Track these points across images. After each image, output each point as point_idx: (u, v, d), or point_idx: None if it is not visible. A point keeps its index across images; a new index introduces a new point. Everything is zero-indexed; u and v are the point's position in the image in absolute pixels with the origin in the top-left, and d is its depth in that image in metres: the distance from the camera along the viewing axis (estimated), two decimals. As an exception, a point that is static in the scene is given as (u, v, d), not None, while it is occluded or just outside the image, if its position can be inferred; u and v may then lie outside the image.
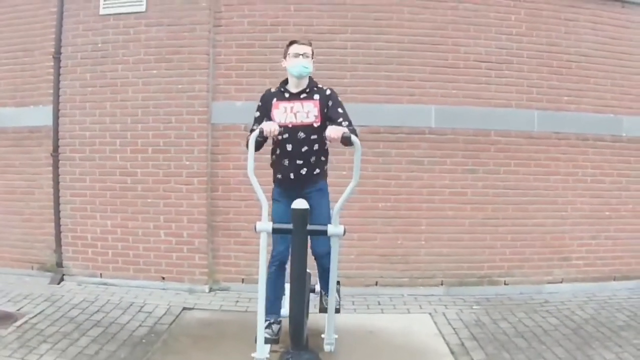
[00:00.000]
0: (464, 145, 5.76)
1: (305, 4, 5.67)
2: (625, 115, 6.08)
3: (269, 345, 4.03)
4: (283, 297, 4.17)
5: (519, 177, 5.85)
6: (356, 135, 3.63)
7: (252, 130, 3.70)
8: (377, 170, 5.64)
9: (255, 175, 3.60)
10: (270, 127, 3.54)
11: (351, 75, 5.62)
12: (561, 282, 5.96)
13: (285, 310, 4.06)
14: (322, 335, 3.97)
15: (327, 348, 3.89)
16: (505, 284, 5.87)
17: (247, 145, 3.65)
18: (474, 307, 5.46)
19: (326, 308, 3.94)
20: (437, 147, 5.73)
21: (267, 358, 3.83)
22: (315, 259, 4.00)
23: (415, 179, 5.71)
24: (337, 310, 4.07)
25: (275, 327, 4.02)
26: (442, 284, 5.79)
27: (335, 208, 3.63)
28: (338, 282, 4.03)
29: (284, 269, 4.00)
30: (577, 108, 5.96)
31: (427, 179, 5.72)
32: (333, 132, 3.55)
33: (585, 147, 5.99)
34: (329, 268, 3.83)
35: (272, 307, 4.03)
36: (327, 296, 3.98)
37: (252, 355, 3.77)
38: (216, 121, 5.62)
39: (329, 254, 3.85)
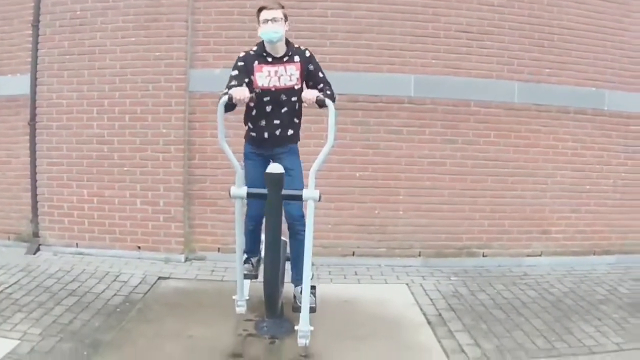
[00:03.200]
0: (443, 115, 5.76)
1: (284, -29, 5.62)
2: (607, 89, 6.08)
3: (248, 286, 4.07)
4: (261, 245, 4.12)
5: (499, 149, 5.86)
6: (333, 99, 3.68)
7: (226, 92, 3.59)
8: (355, 139, 5.64)
9: (229, 143, 3.60)
10: (240, 94, 3.47)
11: (331, 43, 5.61)
12: (540, 256, 5.97)
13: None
14: (296, 328, 3.65)
15: (301, 342, 3.61)
16: (483, 256, 5.88)
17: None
18: (451, 278, 5.47)
19: (299, 307, 3.69)
20: (416, 116, 5.72)
21: (246, 300, 3.93)
22: (288, 225, 3.95)
23: (393, 149, 5.71)
24: (313, 310, 3.88)
25: (254, 259, 4.07)
26: (419, 255, 5.79)
27: (312, 170, 3.61)
28: (313, 287, 3.95)
29: (260, 228, 3.97)
30: (558, 81, 5.96)
31: (406, 149, 5.72)
32: (309, 94, 3.63)
33: (566, 119, 5.99)
34: (303, 237, 3.72)
35: (252, 249, 4.09)
36: (301, 293, 3.80)
37: (233, 297, 3.86)
38: (194, 89, 5.61)
39: (302, 217, 3.85)
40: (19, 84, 5.87)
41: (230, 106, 3.64)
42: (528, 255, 5.94)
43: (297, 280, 3.96)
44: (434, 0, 5.77)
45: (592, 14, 6.08)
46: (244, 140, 4.07)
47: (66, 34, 5.75)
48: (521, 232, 5.93)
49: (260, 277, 3.95)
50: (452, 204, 5.80)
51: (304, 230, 3.70)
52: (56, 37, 5.78)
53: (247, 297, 3.93)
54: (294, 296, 4.03)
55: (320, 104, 3.60)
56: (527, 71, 5.91)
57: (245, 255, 4.05)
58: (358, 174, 5.69)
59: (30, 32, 5.83)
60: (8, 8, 5.97)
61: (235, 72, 3.81)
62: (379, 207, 5.72)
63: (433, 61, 5.74)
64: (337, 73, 5.29)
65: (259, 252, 4.16)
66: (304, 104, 3.82)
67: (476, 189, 5.83)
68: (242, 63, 3.84)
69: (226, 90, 3.61)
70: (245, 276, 3.89)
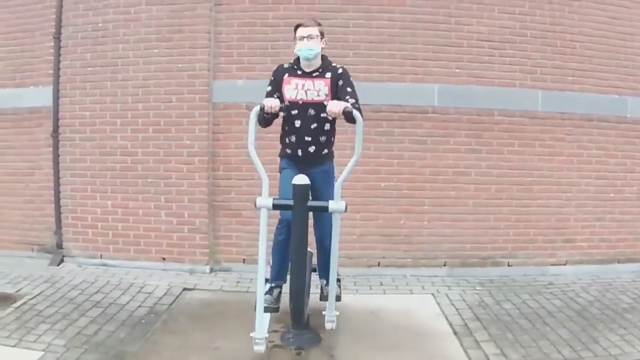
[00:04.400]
0: (468, 124, 5.70)
1: (306, -18, 5.59)
2: (630, 96, 6.00)
3: (268, 320, 3.94)
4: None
5: (523, 158, 5.79)
6: (361, 113, 3.60)
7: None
8: (379, 149, 5.58)
9: (257, 152, 3.56)
10: (270, 103, 3.53)
11: (353, 54, 5.56)
12: (565, 264, 5.89)
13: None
14: (323, 313, 3.88)
15: (328, 326, 3.80)
16: (508, 265, 5.81)
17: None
18: (477, 288, 5.40)
19: (326, 296, 3.88)
20: (440, 126, 5.67)
21: (266, 337, 3.72)
22: (316, 242, 3.95)
23: (418, 159, 5.65)
24: (338, 298, 3.98)
25: (276, 291, 3.96)
26: (445, 265, 5.73)
27: (337, 183, 3.58)
28: (339, 280, 3.95)
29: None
30: (581, 88, 5.89)
31: (430, 159, 5.67)
32: (334, 106, 3.53)
33: (589, 127, 5.92)
34: (328, 254, 3.76)
35: (279, 273, 3.99)
36: (328, 285, 3.90)
37: (251, 334, 3.64)
38: (217, 100, 5.57)
39: (330, 235, 3.80)
40: (41, 96, 5.85)
41: (265, 120, 3.67)
42: (553, 264, 5.86)
43: (324, 275, 3.99)
44: (456, 9, 5.71)
45: (613, 20, 6.00)
46: (277, 158, 4.08)
47: (88, 46, 5.73)
48: (546, 241, 5.86)
49: (282, 308, 3.94)
50: (477, 213, 5.73)
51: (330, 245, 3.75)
52: (78, 49, 5.76)
53: (267, 335, 3.69)
54: (321, 288, 4.08)
55: (348, 116, 3.54)
56: (549, 79, 5.84)
57: (269, 285, 3.94)
58: (383, 184, 5.64)
59: (52, 44, 5.82)
60: (30, 20, 5.95)
61: (269, 88, 3.88)
62: (404, 217, 5.67)
63: (456, 70, 5.68)
64: (360, 83, 5.10)
65: (284, 278, 4.03)
66: (328, 116, 3.73)
67: (501, 198, 5.76)
68: (273, 77, 3.89)
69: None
70: (266, 309, 3.72)
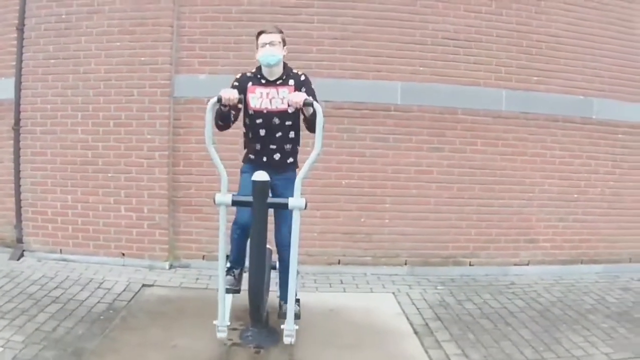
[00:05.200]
0: (430, 122, 5.65)
1: (271, -23, 5.52)
2: (596, 97, 5.98)
3: (229, 308, 3.90)
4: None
5: (486, 157, 5.75)
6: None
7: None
8: (341, 146, 5.52)
9: (216, 148, 3.48)
10: (228, 94, 3.41)
11: (317, 49, 5.50)
12: (527, 265, 5.86)
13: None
14: (282, 326, 3.67)
15: (287, 340, 3.61)
16: (470, 264, 5.77)
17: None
18: (438, 287, 5.35)
19: (284, 313, 3.68)
20: (402, 124, 5.61)
21: (228, 325, 3.69)
22: (277, 249, 3.86)
23: (379, 156, 5.59)
24: (297, 316, 3.79)
25: (236, 271, 3.89)
26: (406, 264, 5.67)
27: (298, 178, 3.50)
28: (297, 300, 3.83)
29: (247, 236, 3.82)
30: (546, 89, 5.86)
31: (392, 157, 5.61)
32: (296, 96, 3.51)
33: (554, 128, 5.89)
34: (287, 267, 3.65)
35: (237, 260, 3.94)
36: (286, 303, 3.73)
37: (214, 322, 3.64)
38: (179, 94, 5.49)
39: (289, 246, 3.70)
40: (4, 88, 5.75)
41: (222, 117, 3.58)
42: (515, 264, 5.82)
43: (285, 298, 3.82)
44: (421, 7, 5.66)
45: (580, 21, 5.98)
46: (237, 156, 4.03)
47: (51, 38, 5.63)
48: (508, 240, 5.82)
49: (244, 289, 3.82)
50: (439, 212, 5.68)
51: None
52: (41, 41, 5.65)
53: (229, 323, 3.69)
54: (279, 305, 3.93)
55: (308, 104, 3.48)
56: (515, 79, 5.80)
57: (229, 265, 3.92)
58: (344, 181, 5.57)
59: (15, 35, 5.70)
60: (-10, 12, 5.83)
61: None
62: (365, 215, 5.60)
63: (420, 68, 5.63)
64: (322, 80, 5.18)
65: (243, 263, 3.98)
66: (289, 109, 3.69)
67: (463, 197, 5.72)
68: (237, 83, 3.79)
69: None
70: (227, 290, 3.71)
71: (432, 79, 5.64)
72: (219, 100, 3.45)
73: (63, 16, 5.60)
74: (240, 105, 3.66)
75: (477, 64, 5.73)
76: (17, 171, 5.72)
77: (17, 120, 5.69)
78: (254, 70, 3.85)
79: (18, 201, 5.74)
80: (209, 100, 3.48)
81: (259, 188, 3.47)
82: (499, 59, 5.78)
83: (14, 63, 5.69)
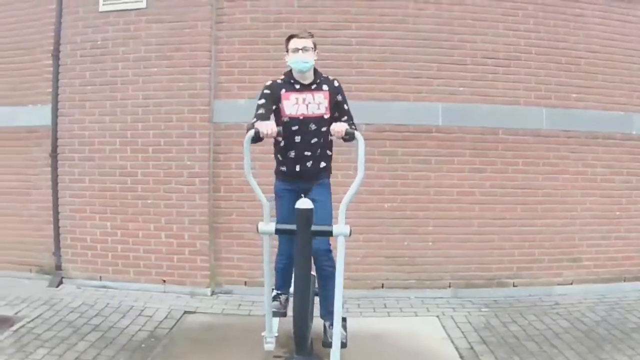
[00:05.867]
0: (472, 143, 5.50)
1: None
2: (635, 112, 5.79)
3: (277, 323, 3.85)
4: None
5: (528, 177, 5.58)
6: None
7: (253, 124, 3.38)
8: (383, 169, 5.38)
9: (255, 175, 3.38)
10: (267, 129, 3.24)
11: (356, 72, 5.36)
12: (571, 284, 5.68)
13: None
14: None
15: None
16: (514, 285, 5.59)
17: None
18: (482, 309, 5.19)
19: (330, 342, 3.53)
20: (444, 145, 5.46)
21: (275, 337, 3.70)
22: (314, 259, 3.68)
23: (422, 179, 5.44)
24: (344, 345, 3.66)
25: (283, 297, 3.85)
26: (449, 286, 5.51)
27: (342, 205, 3.37)
28: (344, 319, 3.72)
29: (291, 267, 3.72)
30: (585, 105, 5.69)
31: (434, 179, 5.46)
32: (338, 127, 3.39)
33: (595, 145, 5.71)
34: (330, 273, 3.54)
35: (283, 286, 3.88)
36: (331, 327, 3.61)
37: (262, 334, 3.67)
38: (218, 120, 5.36)
39: (329, 251, 3.63)
40: (40, 115, 5.64)
41: (258, 137, 3.40)
42: (559, 284, 5.65)
43: (326, 315, 3.74)
44: (460, 26, 5.52)
45: (618, 36, 5.80)
46: (274, 176, 3.87)
47: (87, 64, 5.52)
48: (551, 260, 5.64)
49: (289, 314, 3.73)
50: (482, 233, 5.52)
51: (332, 266, 3.53)
52: (77, 67, 5.55)
53: (276, 334, 3.73)
54: (324, 330, 3.79)
55: (350, 136, 3.39)
56: (554, 96, 5.64)
57: (275, 292, 3.86)
58: (387, 205, 5.43)
59: (51, 62, 5.60)
60: (28, 37, 5.73)
61: (262, 101, 3.57)
62: (408, 238, 5.45)
63: (460, 89, 5.48)
64: (363, 103, 5.08)
65: (289, 289, 3.92)
66: (331, 137, 3.59)
67: (505, 217, 5.55)
68: (269, 91, 3.61)
69: (254, 120, 3.39)
70: (274, 314, 3.74)
71: (472, 99, 5.49)
72: (257, 134, 3.30)
73: (99, 42, 5.49)
74: (279, 138, 3.55)
75: (516, 82, 5.58)
76: (56, 198, 5.61)
77: (55, 147, 5.59)
78: (283, 77, 3.69)
79: (57, 228, 5.63)
80: (248, 127, 3.35)
81: (303, 216, 3.35)
82: (538, 77, 5.62)
83: (50, 90, 5.60)
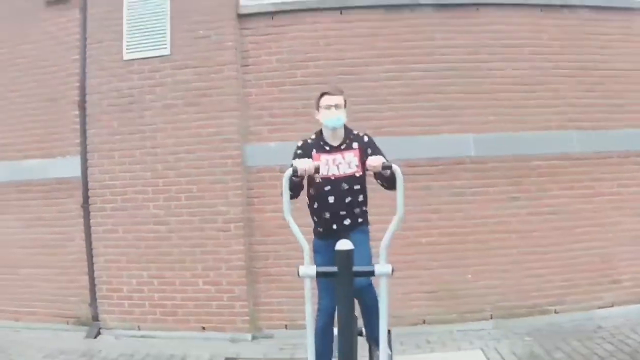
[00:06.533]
0: (505, 172, 5.34)
1: (334, 37, 5.27)
2: (666, 128, 5.60)
3: None
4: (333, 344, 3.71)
5: (563, 201, 5.42)
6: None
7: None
8: (418, 204, 5.19)
9: (293, 216, 3.17)
10: (305, 165, 3.11)
11: (387, 107, 5.22)
12: (612, 306, 5.49)
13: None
14: None
15: None
16: (555, 312, 5.42)
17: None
18: (525, 339, 5.01)
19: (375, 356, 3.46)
20: (478, 176, 5.31)
21: None
22: (356, 295, 3.53)
23: (457, 211, 5.28)
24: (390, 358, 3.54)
25: None
26: (491, 318, 5.34)
27: (382, 245, 3.18)
28: (389, 331, 3.52)
29: (332, 322, 3.52)
30: (616, 125, 5.53)
31: (470, 210, 5.30)
32: (374, 160, 3.20)
33: (628, 164, 5.53)
34: (372, 305, 3.40)
35: (322, 354, 3.54)
36: (377, 348, 3.48)
37: None
38: (250, 164, 5.22)
39: (370, 285, 3.44)
40: (70, 166, 5.54)
41: (296, 185, 3.26)
42: (600, 307, 5.46)
43: (373, 338, 3.54)
44: (487, 54, 5.37)
45: (642, 52, 5.61)
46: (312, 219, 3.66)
47: (114, 114, 5.40)
48: (591, 284, 5.46)
49: None
50: (521, 262, 5.35)
51: (374, 298, 3.38)
52: (104, 117, 5.43)
53: None
54: (370, 354, 3.66)
55: (386, 168, 3.16)
56: (583, 118, 5.48)
57: None
58: (424, 239, 5.27)
59: (77, 112, 5.48)
60: (54, 89, 5.64)
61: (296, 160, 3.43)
62: (447, 272, 5.29)
63: (491, 118, 5.34)
64: (394, 138, 4.94)
65: (331, 354, 3.60)
66: (368, 172, 3.39)
67: (543, 244, 5.38)
68: (301, 151, 3.47)
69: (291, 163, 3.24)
70: None
71: (504, 127, 5.35)
72: (295, 172, 3.14)
73: (125, 91, 5.36)
74: (317, 175, 3.36)
75: (545, 107, 5.43)
76: (90, 249, 5.48)
77: (86, 199, 5.47)
78: (313, 137, 3.53)
79: (92, 279, 5.50)
80: (282, 170, 3.19)
81: (343, 257, 3.12)
82: (566, 100, 5.47)
83: (78, 140, 5.46)
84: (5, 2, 5.76)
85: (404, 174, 4.79)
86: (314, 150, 3.46)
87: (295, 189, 3.32)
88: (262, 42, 5.28)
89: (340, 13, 5.29)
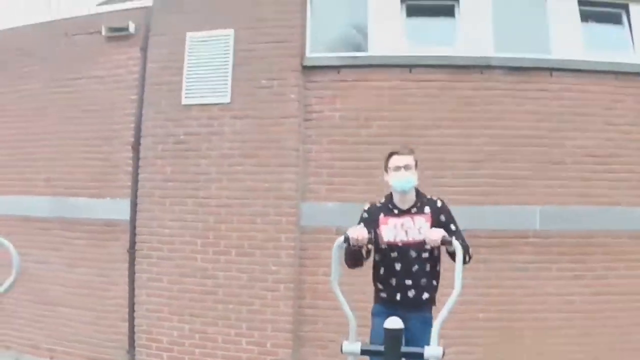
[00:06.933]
0: (571, 248, 4.97)
1: (400, 96, 5.01)
2: None
3: None
4: None
5: (631, 282, 5.02)
6: (469, 253, 3.09)
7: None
8: (477, 278, 4.84)
9: (343, 289, 2.96)
10: (357, 233, 2.89)
11: (451, 174, 4.92)
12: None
13: None
14: None
15: None
16: (617, 398, 5.00)
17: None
18: None
19: None
20: (541, 251, 4.95)
21: None
22: None
23: (518, 287, 4.94)
24: None
25: None
26: (548, 402, 4.94)
27: (436, 324, 2.91)
28: None
29: None
30: (691, 203, 5.11)
31: (532, 287, 4.94)
32: (432, 233, 2.98)
33: (703, 243, 5.11)
34: None
35: None
36: None
37: None
38: (305, 223, 4.95)
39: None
40: (119, 209, 5.35)
41: (352, 256, 3.02)
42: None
43: None
44: (559, 122, 5.04)
45: None
46: (364, 291, 3.44)
47: (168, 159, 5.19)
48: (658, 369, 5.04)
49: None
50: (584, 344, 4.96)
51: None
52: (158, 162, 5.22)
53: None
54: None
55: (446, 244, 2.95)
56: (656, 195, 5.08)
57: None
58: (481, 315, 4.93)
59: (131, 154, 5.30)
60: (109, 127, 5.48)
61: (360, 225, 3.15)
62: (504, 349, 4.93)
63: (559, 190, 4.99)
64: (456, 207, 4.46)
65: None
66: (426, 246, 3.10)
67: (607, 326, 4.99)
68: (367, 215, 3.23)
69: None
70: None
71: (572, 200, 4.99)
72: (346, 240, 2.91)
73: (181, 137, 5.16)
74: (370, 246, 3.09)
75: (617, 181, 5.07)
76: (132, 296, 5.27)
77: (133, 244, 5.26)
78: (383, 200, 3.27)
79: (132, 327, 5.28)
80: (339, 232, 2.99)
81: (392, 336, 2.88)
82: (639, 174, 5.06)
83: (130, 183, 5.28)
84: (67, 40, 5.61)
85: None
86: (382, 214, 3.20)
87: (354, 258, 3.07)
88: (326, 96, 5.04)
89: (410, 71, 5.01)
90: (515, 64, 5.12)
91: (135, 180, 5.25)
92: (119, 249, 5.33)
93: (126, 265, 5.26)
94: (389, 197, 3.26)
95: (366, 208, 3.28)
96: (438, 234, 2.95)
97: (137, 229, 5.23)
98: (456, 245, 2.91)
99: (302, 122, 5.01)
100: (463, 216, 4.51)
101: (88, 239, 5.46)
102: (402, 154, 3.17)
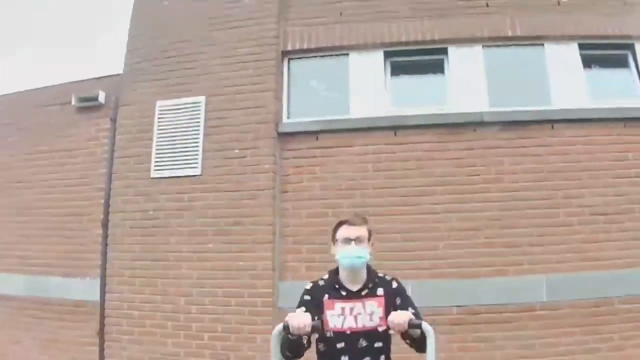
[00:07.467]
0: (582, 319, 4.43)
1: (384, 161, 4.53)
2: None
3: None
4: None
5: (651, 352, 4.39)
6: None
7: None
8: (477, 358, 4.35)
9: None
10: (298, 321, 2.38)
11: (444, 245, 4.40)
12: None
13: None
14: None
15: None
16: None
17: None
18: None
19: None
20: (550, 324, 4.42)
21: None
22: None
23: (525, 367, 4.33)
24: None
25: None
26: None
27: None
28: None
29: None
30: None
31: (540, 365, 4.34)
32: (397, 317, 2.44)
33: None
34: None
35: None
36: None
37: None
38: (283, 305, 4.47)
39: None
40: (88, 289, 5.00)
41: (291, 346, 2.44)
42: None
43: None
44: (563, 180, 4.51)
45: None
46: None
47: (137, 237, 4.84)
48: None
49: None
50: None
51: None
52: (126, 240, 4.86)
53: None
54: None
55: (414, 326, 2.41)
56: (676, 253, 4.50)
57: None
58: (483, 400, 4.32)
59: (100, 232, 4.86)
60: (78, 204, 5.15)
61: (302, 309, 2.61)
62: None
63: (567, 255, 4.49)
64: (451, 282, 4.11)
65: None
66: (391, 332, 2.56)
67: (627, 404, 4.37)
68: (309, 297, 2.68)
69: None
70: None
71: (582, 266, 4.48)
72: (286, 328, 2.40)
73: (150, 212, 4.78)
74: (320, 346, 2.56)
75: (631, 240, 4.55)
76: (102, 382, 4.76)
77: (102, 327, 4.87)
78: (326, 277, 2.72)
79: (103, 415, 4.77)
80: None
81: None
82: (654, 231, 4.50)
83: (99, 262, 4.86)
84: (40, 110, 5.31)
85: (463, 323, 3.98)
86: (326, 295, 2.64)
87: (294, 349, 2.48)
88: (305, 165, 4.61)
89: (395, 134, 4.51)
90: (511, 118, 4.68)
91: (104, 259, 4.86)
92: (89, 331, 4.94)
93: (96, 349, 4.84)
94: (334, 273, 2.69)
95: (308, 287, 2.73)
96: (404, 316, 2.44)
97: (106, 311, 4.85)
98: (427, 328, 2.39)
99: (278, 195, 4.58)
100: (459, 292, 4.08)
101: (59, 320, 5.10)
102: (354, 224, 2.61)
